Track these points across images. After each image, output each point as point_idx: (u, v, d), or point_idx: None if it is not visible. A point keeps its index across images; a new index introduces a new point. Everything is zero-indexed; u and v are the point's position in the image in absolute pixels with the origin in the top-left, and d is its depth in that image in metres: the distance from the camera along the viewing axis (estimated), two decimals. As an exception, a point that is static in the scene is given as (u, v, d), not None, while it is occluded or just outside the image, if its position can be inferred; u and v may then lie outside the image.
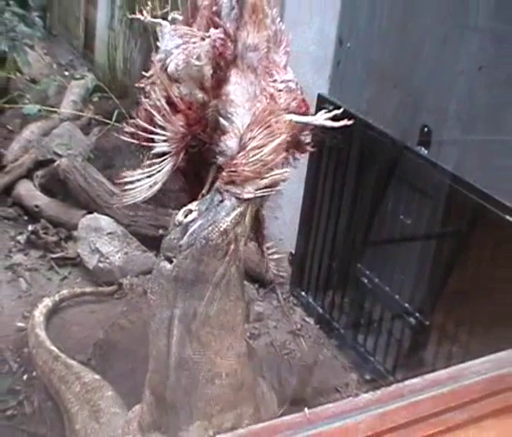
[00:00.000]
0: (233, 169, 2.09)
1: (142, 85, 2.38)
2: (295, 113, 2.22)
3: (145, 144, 2.26)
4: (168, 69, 2.22)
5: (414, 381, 1.48)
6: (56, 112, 5.43)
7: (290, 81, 2.23)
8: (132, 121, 2.29)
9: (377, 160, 3.72)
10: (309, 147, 2.42)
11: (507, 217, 3.02)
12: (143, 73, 2.41)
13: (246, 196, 2.10)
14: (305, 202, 4.17)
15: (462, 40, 3.29)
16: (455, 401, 1.42)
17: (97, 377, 3.16)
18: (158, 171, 2.22)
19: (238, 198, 2.11)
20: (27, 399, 3.33)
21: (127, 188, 2.25)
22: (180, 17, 2.36)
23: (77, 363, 3.29)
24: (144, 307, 3.93)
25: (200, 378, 2.27)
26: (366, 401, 1.39)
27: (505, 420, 1.44)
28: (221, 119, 2.16)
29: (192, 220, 2.13)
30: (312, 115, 2.32)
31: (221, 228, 2.10)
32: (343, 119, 2.34)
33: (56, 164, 4.71)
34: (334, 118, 2.32)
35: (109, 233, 4.26)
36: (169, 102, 2.22)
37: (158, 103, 2.23)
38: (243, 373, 2.40)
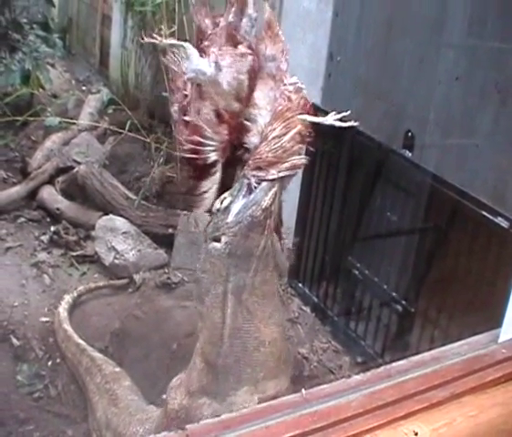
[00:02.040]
0: (258, 157, 2.20)
1: (176, 106, 2.41)
2: (303, 109, 2.31)
3: (194, 156, 2.32)
4: (224, 86, 2.24)
5: (401, 362, 1.48)
6: (74, 123, 5.42)
7: (296, 83, 2.31)
8: (190, 139, 2.32)
9: (366, 163, 3.72)
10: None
11: (483, 212, 3.03)
12: (184, 93, 2.39)
13: (270, 177, 2.21)
14: (301, 201, 4.16)
15: (439, 54, 3.29)
16: (437, 380, 1.42)
17: (116, 369, 3.16)
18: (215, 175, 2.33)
19: (263, 180, 2.21)
20: (52, 383, 3.34)
21: (202, 197, 2.36)
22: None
23: (100, 355, 3.29)
24: (156, 299, 3.95)
25: (249, 345, 2.34)
26: (357, 381, 1.39)
27: (481, 395, 1.44)
28: (246, 122, 2.25)
29: (230, 203, 2.23)
30: (315, 114, 2.39)
31: (263, 207, 2.20)
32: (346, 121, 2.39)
33: (75, 170, 4.73)
34: (342, 120, 2.38)
35: (124, 232, 4.26)
36: (218, 115, 2.29)
37: (207, 117, 2.29)
38: (282, 343, 2.47)
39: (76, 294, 3.83)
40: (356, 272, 3.85)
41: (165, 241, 4.36)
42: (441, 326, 3.33)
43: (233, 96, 2.26)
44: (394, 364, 1.47)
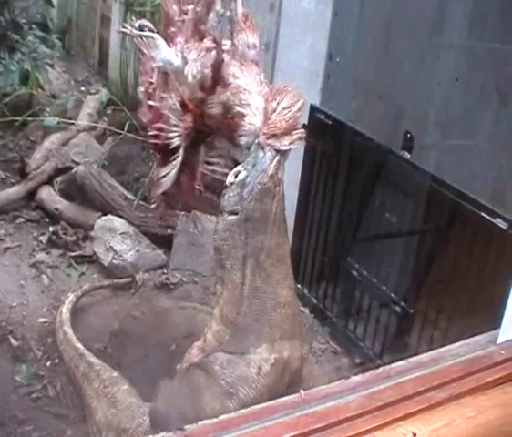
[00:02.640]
0: (272, 125, 2.35)
1: (143, 89, 2.60)
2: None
3: (156, 141, 2.51)
4: (189, 78, 2.40)
5: (400, 363, 1.48)
6: (73, 124, 5.42)
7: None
8: (154, 126, 2.45)
9: (365, 164, 3.72)
10: None
11: (482, 213, 3.03)
12: (150, 80, 2.57)
13: (284, 148, 2.37)
14: (300, 202, 4.16)
15: (439, 55, 3.29)
16: (436, 381, 1.42)
17: (114, 374, 3.15)
18: (175, 159, 2.48)
19: (277, 151, 2.35)
20: (51, 383, 3.34)
21: (161, 181, 2.52)
22: (148, 24, 2.56)
23: (99, 361, 3.28)
24: (155, 299, 3.95)
25: (267, 305, 2.47)
26: (356, 382, 1.39)
27: (480, 396, 1.44)
28: (237, 108, 2.39)
29: (245, 177, 2.37)
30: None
31: (269, 173, 2.36)
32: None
33: (73, 171, 4.72)
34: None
35: (122, 233, 4.26)
36: (183, 104, 2.46)
37: (173, 106, 2.45)
38: (295, 306, 2.66)
39: (80, 293, 3.82)
40: (355, 273, 3.85)
41: (164, 242, 4.36)
42: (440, 327, 3.34)
43: (197, 87, 2.42)
44: (392, 365, 1.47)
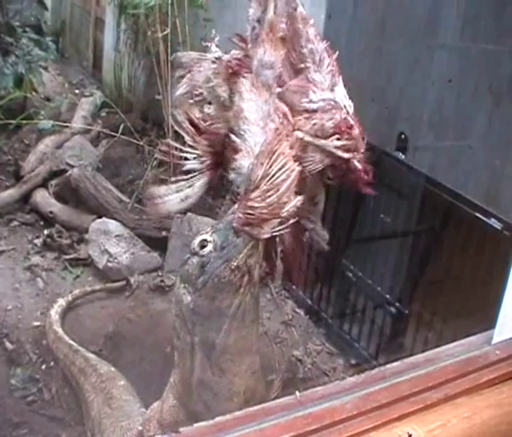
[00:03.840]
0: (250, 212, 1.90)
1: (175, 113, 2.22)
2: (333, 132, 2.01)
3: (176, 161, 2.18)
4: (177, 93, 2.13)
5: (395, 364, 1.48)
6: (67, 127, 5.41)
7: (330, 100, 2.04)
8: (165, 141, 2.23)
9: (359, 165, 3.72)
10: (363, 176, 2.13)
11: (476, 213, 3.03)
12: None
13: (263, 236, 1.93)
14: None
15: (432, 57, 3.30)
16: (431, 382, 1.42)
17: (111, 368, 3.16)
18: (188, 187, 2.09)
19: (255, 238, 1.94)
20: (46, 386, 3.33)
21: (157, 201, 2.12)
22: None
23: (94, 356, 3.29)
24: (149, 302, 3.95)
25: (220, 396, 2.17)
26: (352, 383, 1.39)
27: (475, 397, 1.44)
28: (233, 136, 2.01)
29: (210, 252, 1.99)
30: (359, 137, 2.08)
31: (233, 266, 1.95)
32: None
33: (68, 174, 4.71)
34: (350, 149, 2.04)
35: (117, 235, 4.26)
36: (192, 123, 2.12)
37: (183, 125, 2.11)
38: (258, 387, 2.30)
39: (71, 298, 3.82)
40: (350, 274, 3.85)
41: (158, 244, 4.35)
42: (435, 328, 3.34)
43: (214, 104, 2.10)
44: (388, 366, 1.47)
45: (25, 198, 4.79)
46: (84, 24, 7.83)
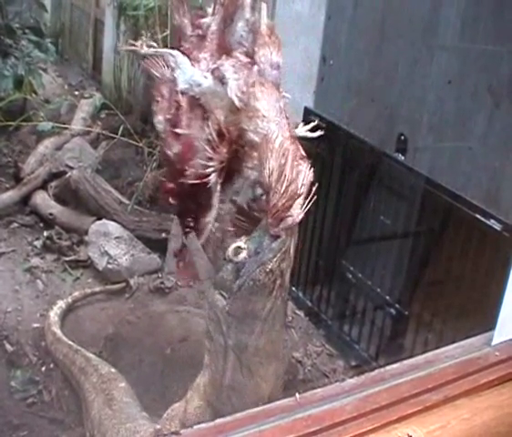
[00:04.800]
0: (275, 211, 1.92)
1: (162, 117, 2.20)
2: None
3: (188, 174, 2.10)
4: (235, 102, 2.04)
5: (395, 365, 1.48)
6: (67, 128, 5.41)
7: (285, 96, 2.12)
8: (174, 153, 2.13)
9: (359, 166, 3.72)
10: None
11: (476, 215, 3.03)
12: (173, 105, 2.19)
13: (298, 219, 1.95)
14: (294, 205, 4.16)
15: (432, 58, 3.30)
16: (431, 383, 1.42)
17: (112, 369, 3.16)
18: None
19: (288, 231, 1.97)
20: (46, 388, 3.33)
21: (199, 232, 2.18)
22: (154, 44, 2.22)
23: (95, 356, 3.29)
24: (149, 304, 3.94)
25: (247, 399, 2.19)
26: (351, 385, 1.39)
27: (475, 398, 1.44)
28: (251, 135, 2.02)
29: (245, 259, 2.00)
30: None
31: (267, 269, 1.98)
32: (321, 129, 2.23)
33: (68, 175, 4.71)
34: (313, 129, 2.21)
35: (117, 237, 4.26)
36: (221, 134, 2.08)
37: (209, 136, 2.07)
38: (279, 394, 2.29)
39: (70, 300, 3.82)
40: (350, 276, 3.85)
41: (158, 246, 4.35)
42: (435, 329, 3.34)
43: (235, 109, 2.05)
44: (387, 368, 1.47)
45: (25, 199, 4.80)
46: (83, 25, 7.84)
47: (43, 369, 3.43)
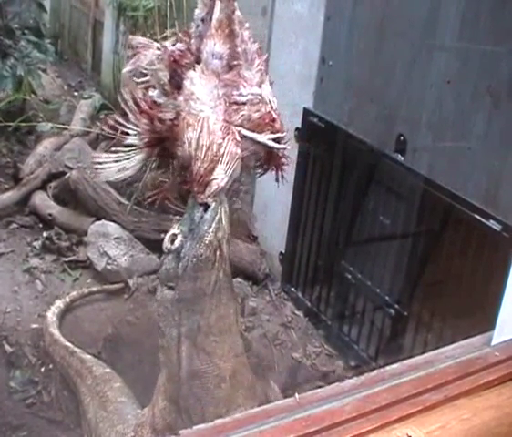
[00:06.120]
0: (198, 177, 2.08)
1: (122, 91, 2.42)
2: (258, 123, 2.21)
3: (120, 136, 2.34)
4: (123, 71, 2.37)
5: (394, 366, 1.48)
6: (66, 129, 5.41)
7: (256, 94, 2.23)
8: (112, 116, 2.37)
9: (358, 166, 3.72)
10: (284, 162, 2.33)
11: (475, 215, 3.03)
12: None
13: (224, 183, 2.07)
14: (293, 205, 4.16)
15: (431, 57, 3.30)
16: (431, 384, 1.42)
17: (107, 370, 3.15)
18: (126, 159, 2.28)
19: (214, 197, 2.08)
20: (45, 389, 3.33)
21: (96, 166, 2.32)
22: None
23: (90, 357, 3.29)
24: (149, 304, 3.94)
25: (209, 384, 2.25)
26: (351, 385, 1.39)
27: (475, 398, 1.44)
28: (186, 116, 2.18)
29: (181, 243, 2.11)
30: (280, 129, 2.26)
31: (206, 241, 2.07)
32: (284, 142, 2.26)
33: (67, 176, 4.71)
34: (276, 140, 2.23)
35: (116, 238, 4.25)
36: (136, 103, 2.30)
37: (128, 103, 2.30)
38: (243, 372, 2.37)
39: (68, 300, 3.82)
40: (349, 276, 3.85)
41: (157, 246, 4.32)
42: (434, 329, 3.34)
43: (168, 91, 2.26)
44: (387, 368, 1.47)
45: (24, 200, 4.79)
46: (83, 26, 7.83)
47: (42, 369, 3.43)
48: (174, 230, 2.15)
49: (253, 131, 2.20)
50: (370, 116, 3.64)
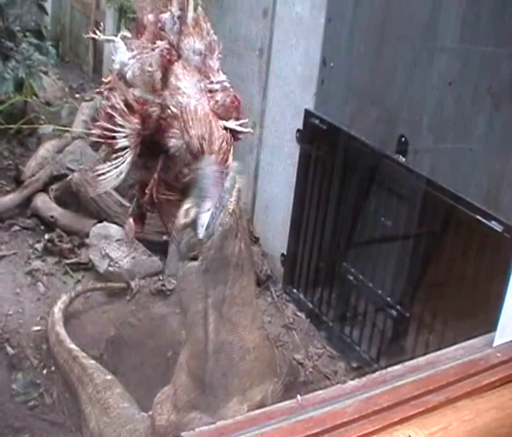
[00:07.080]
0: (216, 147, 2.23)
1: (102, 90, 2.56)
2: (230, 107, 2.36)
3: (108, 141, 2.38)
4: (127, 76, 2.37)
5: (396, 367, 1.48)
6: (68, 131, 5.41)
7: (224, 81, 2.39)
8: (97, 123, 2.40)
9: (359, 168, 3.72)
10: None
11: (477, 216, 3.03)
12: (103, 80, 2.61)
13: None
14: (295, 207, 4.16)
15: (432, 59, 3.30)
16: (432, 385, 1.42)
17: (107, 377, 3.14)
18: (122, 163, 2.32)
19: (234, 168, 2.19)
20: (47, 391, 3.33)
21: (99, 179, 2.34)
22: (129, 34, 2.53)
23: (92, 363, 3.28)
24: (151, 306, 3.95)
25: (234, 356, 2.28)
26: (353, 387, 1.39)
27: (477, 400, 1.44)
28: (172, 108, 2.30)
29: (196, 215, 2.17)
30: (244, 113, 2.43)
31: (230, 210, 2.12)
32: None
33: (69, 178, 4.71)
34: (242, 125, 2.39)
35: (118, 240, 4.25)
36: (126, 104, 2.35)
37: (117, 106, 2.34)
38: (265, 345, 2.42)
39: (73, 294, 3.84)
40: (351, 278, 3.85)
41: (159, 248, 4.35)
42: (436, 330, 3.34)
43: (143, 87, 2.35)
44: (389, 369, 1.47)
45: (26, 202, 4.79)
46: (84, 28, 7.84)
47: (44, 371, 3.43)
48: (187, 205, 2.21)
49: (224, 116, 2.35)
50: (371, 118, 3.64)
